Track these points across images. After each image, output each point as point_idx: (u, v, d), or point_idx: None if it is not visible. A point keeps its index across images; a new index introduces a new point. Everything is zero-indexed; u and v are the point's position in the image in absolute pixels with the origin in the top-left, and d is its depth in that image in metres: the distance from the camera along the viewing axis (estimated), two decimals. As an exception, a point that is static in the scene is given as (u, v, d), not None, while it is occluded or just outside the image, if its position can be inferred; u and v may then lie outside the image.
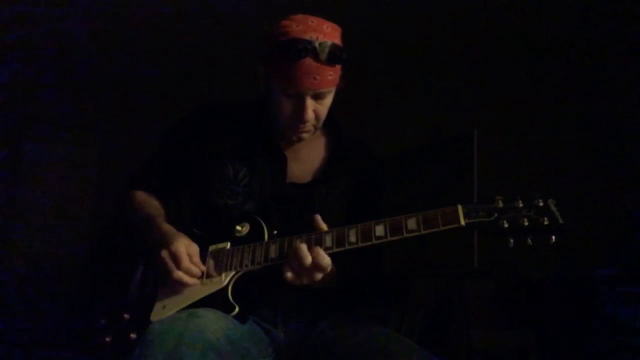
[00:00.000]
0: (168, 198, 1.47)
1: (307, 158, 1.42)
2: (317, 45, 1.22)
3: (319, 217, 1.21)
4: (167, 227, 1.31)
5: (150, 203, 1.42)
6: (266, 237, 1.27)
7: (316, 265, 1.14)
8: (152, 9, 3.45)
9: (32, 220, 4.38)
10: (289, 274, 1.16)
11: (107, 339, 1.29)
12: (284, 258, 1.18)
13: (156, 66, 4.23)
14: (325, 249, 1.16)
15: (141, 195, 1.44)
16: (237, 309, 1.21)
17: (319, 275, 1.16)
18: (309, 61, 1.22)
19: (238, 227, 1.30)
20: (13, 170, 4.39)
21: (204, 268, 1.25)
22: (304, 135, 1.36)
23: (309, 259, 1.13)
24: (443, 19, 3.40)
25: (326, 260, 1.14)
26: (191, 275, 1.22)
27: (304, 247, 1.15)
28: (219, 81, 4.16)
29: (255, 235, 1.28)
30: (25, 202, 4.38)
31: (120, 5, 3.42)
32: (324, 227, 1.20)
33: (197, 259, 1.25)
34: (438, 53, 3.73)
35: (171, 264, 1.21)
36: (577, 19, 3.23)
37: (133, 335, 1.26)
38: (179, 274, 1.20)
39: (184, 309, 1.22)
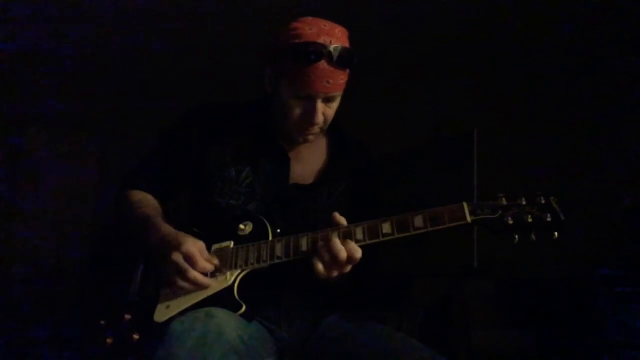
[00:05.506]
0: (165, 197, 1.46)
1: (309, 159, 1.43)
2: (331, 49, 1.22)
3: (337, 214, 1.21)
4: (167, 228, 1.30)
5: (147, 202, 1.40)
6: (270, 236, 1.27)
7: (350, 259, 1.14)
8: (151, 9, 3.45)
9: (32, 220, 4.36)
10: (320, 267, 1.16)
11: (108, 340, 1.29)
12: (314, 252, 1.17)
13: (156, 66, 4.22)
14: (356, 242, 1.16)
15: (138, 195, 1.43)
16: (244, 308, 1.21)
17: (349, 268, 1.16)
18: (323, 65, 1.22)
19: (242, 226, 1.30)
20: (13, 171, 4.38)
21: (217, 262, 1.24)
22: (311, 137, 1.36)
23: (344, 253, 1.14)
24: (443, 19, 3.40)
25: (359, 253, 1.15)
26: (205, 272, 1.22)
27: (338, 242, 1.15)
28: (219, 81, 4.15)
29: (258, 234, 1.28)
30: (25, 202, 4.37)
31: (120, 5, 3.42)
32: (344, 221, 1.20)
33: (207, 255, 1.24)
34: (438, 53, 3.72)
35: (186, 265, 1.20)
36: (577, 18, 3.23)
37: (136, 337, 1.25)
38: (194, 274, 1.20)
39: (188, 308, 1.21)
